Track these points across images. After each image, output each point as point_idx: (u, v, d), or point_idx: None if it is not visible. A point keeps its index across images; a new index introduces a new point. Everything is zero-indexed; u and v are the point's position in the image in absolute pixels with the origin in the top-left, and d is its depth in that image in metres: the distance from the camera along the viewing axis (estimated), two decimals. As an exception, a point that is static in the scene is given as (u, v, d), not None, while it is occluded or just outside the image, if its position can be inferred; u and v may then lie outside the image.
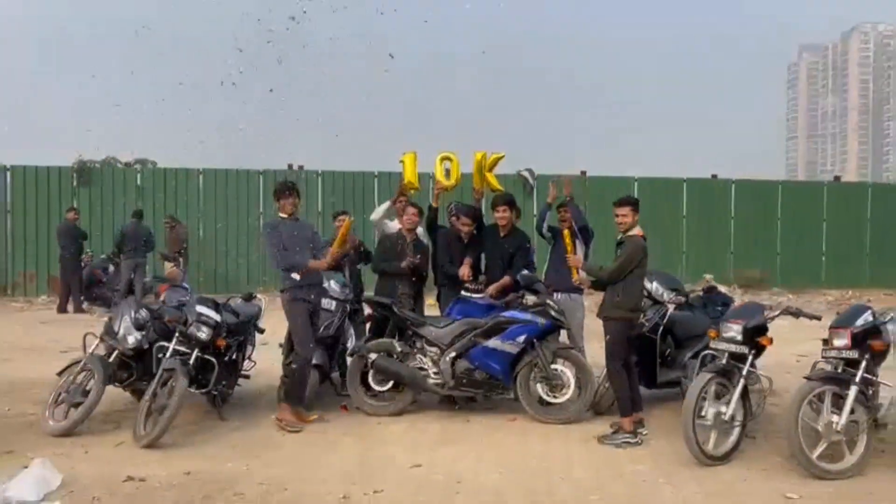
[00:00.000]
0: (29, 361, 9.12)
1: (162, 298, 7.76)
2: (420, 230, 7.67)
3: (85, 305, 14.23)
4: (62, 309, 13.90)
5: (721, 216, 18.81)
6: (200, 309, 6.10)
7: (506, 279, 6.93)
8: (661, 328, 6.67)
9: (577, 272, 6.49)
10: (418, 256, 7.18)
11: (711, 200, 18.82)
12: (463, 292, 6.85)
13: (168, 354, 5.97)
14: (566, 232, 6.64)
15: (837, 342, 5.23)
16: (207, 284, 16.49)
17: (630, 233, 6.04)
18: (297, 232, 6.41)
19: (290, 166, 17.26)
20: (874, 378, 5.24)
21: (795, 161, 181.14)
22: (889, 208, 19.40)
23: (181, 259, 13.99)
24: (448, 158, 7.61)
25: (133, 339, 6.17)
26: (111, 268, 14.77)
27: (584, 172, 18.27)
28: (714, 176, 19.10)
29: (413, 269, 7.16)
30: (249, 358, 7.01)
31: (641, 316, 6.42)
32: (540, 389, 6.43)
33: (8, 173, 16.43)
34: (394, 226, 7.73)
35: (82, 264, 14.50)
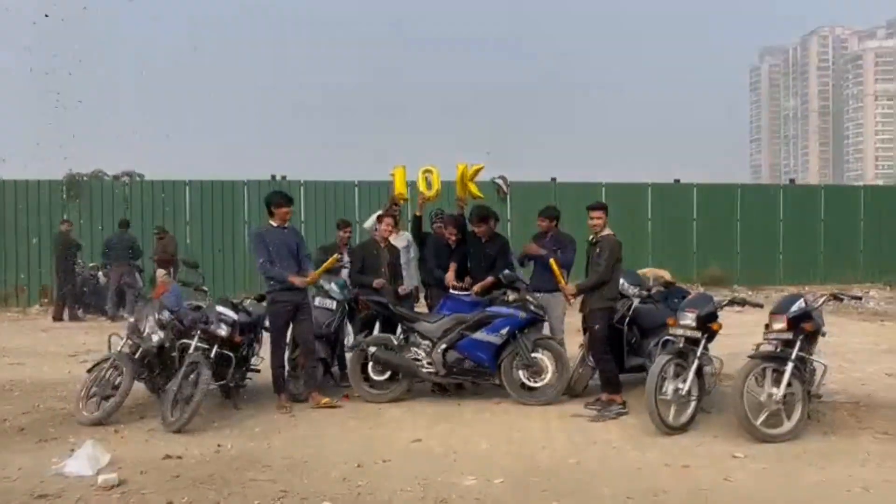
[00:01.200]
0: (41, 365, 9.71)
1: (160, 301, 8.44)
2: (406, 237, 8.50)
3: (80, 313, 14.81)
4: (58, 317, 14.45)
5: (684, 218, 19.81)
6: (220, 309, 6.86)
7: (489, 279, 7.74)
8: (628, 319, 7.52)
9: (570, 297, 7.27)
10: (399, 287, 8.07)
11: (675, 203, 19.82)
12: (451, 290, 7.67)
13: (192, 349, 6.69)
14: (553, 262, 7.26)
15: (776, 326, 6.13)
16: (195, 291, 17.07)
17: (603, 233, 6.93)
18: (283, 240, 7.14)
19: (273, 177, 17.93)
20: (808, 356, 6.14)
21: (759, 163, 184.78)
22: (840, 209, 20.57)
23: (172, 268, 14.60)
24: (429, 171, 8.44)
25: (157, 337, 6.88)
26: (101, 277, 15.36)
27: (553, 179, 19.17)
28: (677, 180, 20.12)
29: (392, 273, 7.99)
30: (258, 354, 7.73)
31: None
32: (522, 375, 7.25)
33: (-1, 187, 16.92)
34: None
35: (76, 274, 15.05)
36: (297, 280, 6.97)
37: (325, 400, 7.15)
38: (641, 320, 7.69)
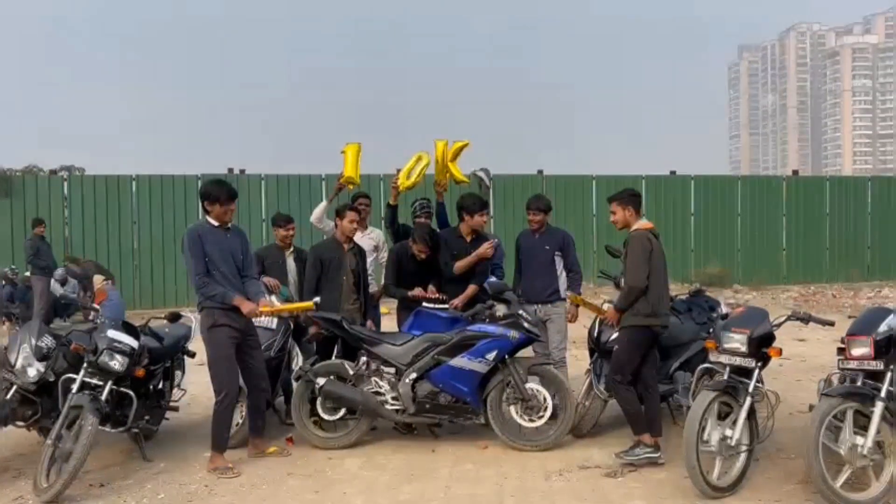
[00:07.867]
0: None
1: (99, 307, 6.80)
2: (378, 236, 6.95)
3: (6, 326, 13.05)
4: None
5: (681, 213, 18.31)
6: (113, 334, 5.15)
7: (471, 288, 6.15)
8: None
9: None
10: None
11: (671, 197, 18.30)
12: (424, 304, 6.02)
13: (75, 389, 5.02)
14: (576, 299, 6.03)
15: (857, 351, 4.55)
16: (144, 298, 15.39)
17: (634, 228, 5.37)
18: (225, 246, 5.33)
19: (230, 170, 16.24)
20: (897, 390, 4.57)
21: (738, 158, 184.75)
22: (846, 202, 19.14)
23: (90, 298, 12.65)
24: (420, 158, 6.85)
25: (34, 371, 5.19)
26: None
27: (540, 171, 17.63)
28: (673, 172, 18.58)
29: (356, 282, 6.32)
30: (178, 386, 6.10)
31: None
32: (514, 412, 5.65)
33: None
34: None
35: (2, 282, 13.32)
36: (245, 306, 5.20)
37: (272, 448, 5.55)
38: (662, 338, 6.10)
